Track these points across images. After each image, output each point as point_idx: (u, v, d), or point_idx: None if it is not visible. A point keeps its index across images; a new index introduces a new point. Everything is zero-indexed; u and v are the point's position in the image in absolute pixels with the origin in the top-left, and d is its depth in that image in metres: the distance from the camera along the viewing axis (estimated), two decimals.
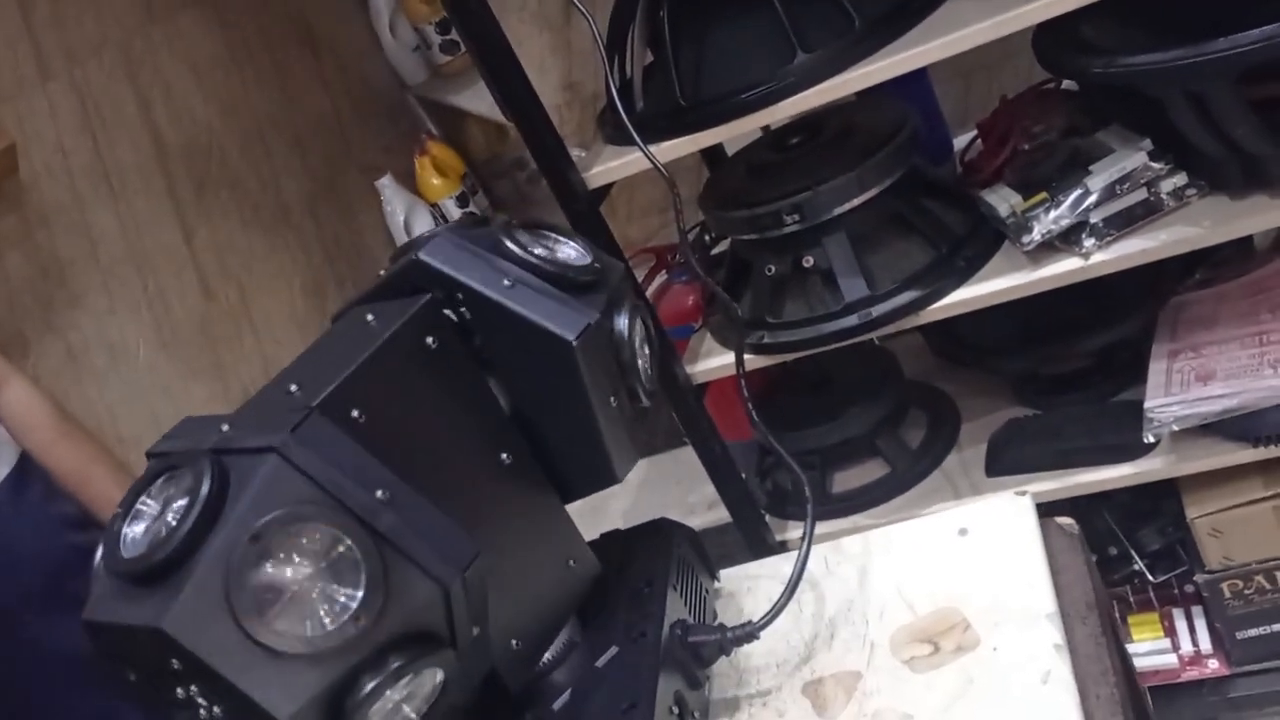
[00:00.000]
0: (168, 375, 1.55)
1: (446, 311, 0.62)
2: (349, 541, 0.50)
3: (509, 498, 0.61)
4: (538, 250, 0.65)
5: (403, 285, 0.62)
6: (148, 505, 0.52)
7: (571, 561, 0.66)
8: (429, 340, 0.58)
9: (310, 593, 0.50)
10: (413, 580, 0.51)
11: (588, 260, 0.67)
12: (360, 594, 0.50)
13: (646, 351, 0.68)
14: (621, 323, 0.65)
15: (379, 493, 0.52)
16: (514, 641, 0.61)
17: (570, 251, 0.68)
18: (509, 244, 0.64)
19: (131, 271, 1.57)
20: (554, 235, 0.69)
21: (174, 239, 1.63)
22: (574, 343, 0.61)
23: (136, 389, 1.52)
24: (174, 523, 0.48)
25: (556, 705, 0.62)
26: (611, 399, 0.64)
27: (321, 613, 0.50)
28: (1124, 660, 0.73)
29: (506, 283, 0.63)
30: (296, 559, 0.50)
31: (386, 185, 1.90)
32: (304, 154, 1.85)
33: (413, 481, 0.56)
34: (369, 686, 0.49)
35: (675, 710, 0.63)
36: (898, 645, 0.67)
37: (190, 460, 0.50)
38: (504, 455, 0.61)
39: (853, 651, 0.68)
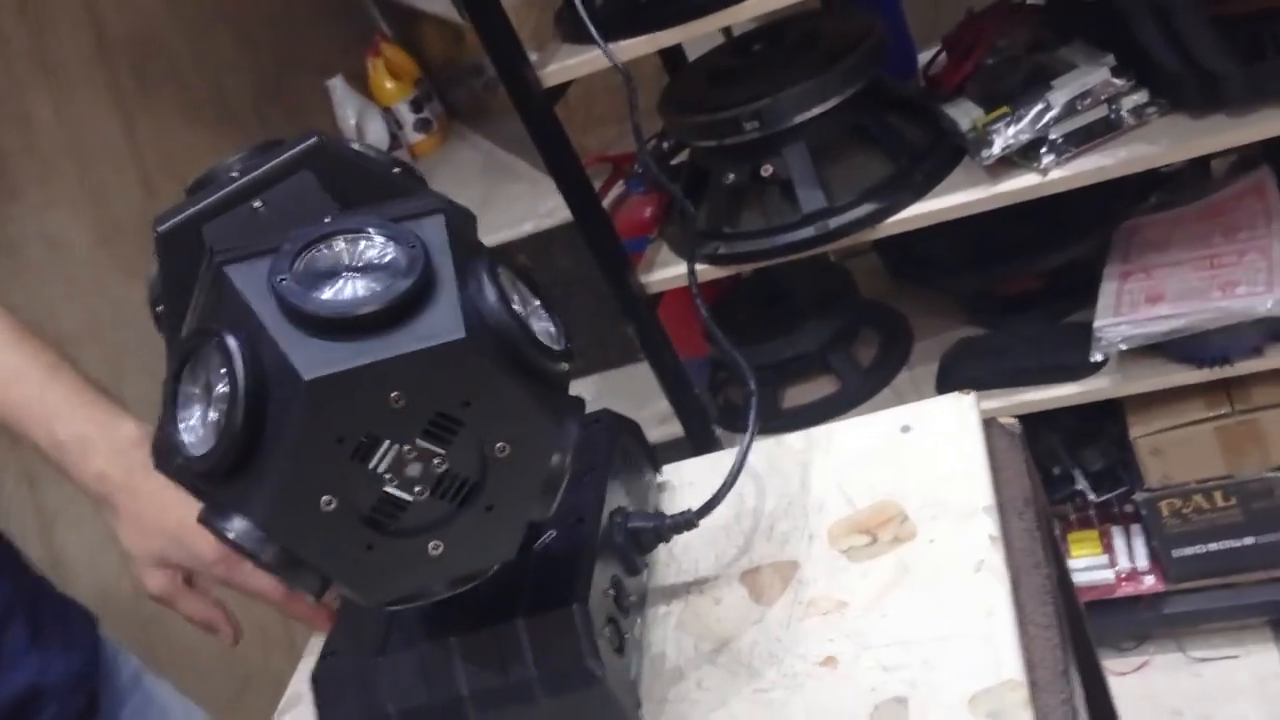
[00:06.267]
0: (108, 272, 1.51)
1: None
2: (524, 288, 0.55)
3: None
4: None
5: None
6: (320, 269, 0.49)
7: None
8: (335, 204, 0.55)
9: (533, 320, 0.54)
10: None
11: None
12: (557, 329, 0.54)
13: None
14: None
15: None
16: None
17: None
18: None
19: (70, 164, 1.52)
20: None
21: (115, 133, 1.58)
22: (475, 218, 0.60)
23: (76, 285, 1.48)
24: (406, 263, 0.49)
25: (492, 585, 0.62)
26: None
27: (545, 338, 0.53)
28: (1058, 557, 0.74)
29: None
30: None
31: (337, 86, 1.85)
32: (252, 50, 1.79)
33: None
34: (577, 428, 0.54)
35: (612, 594, 0.63)
36: (836, 537, 0.67)
37: (357, 227, 0.50)
38: None
39: (791, 543, 0.68)
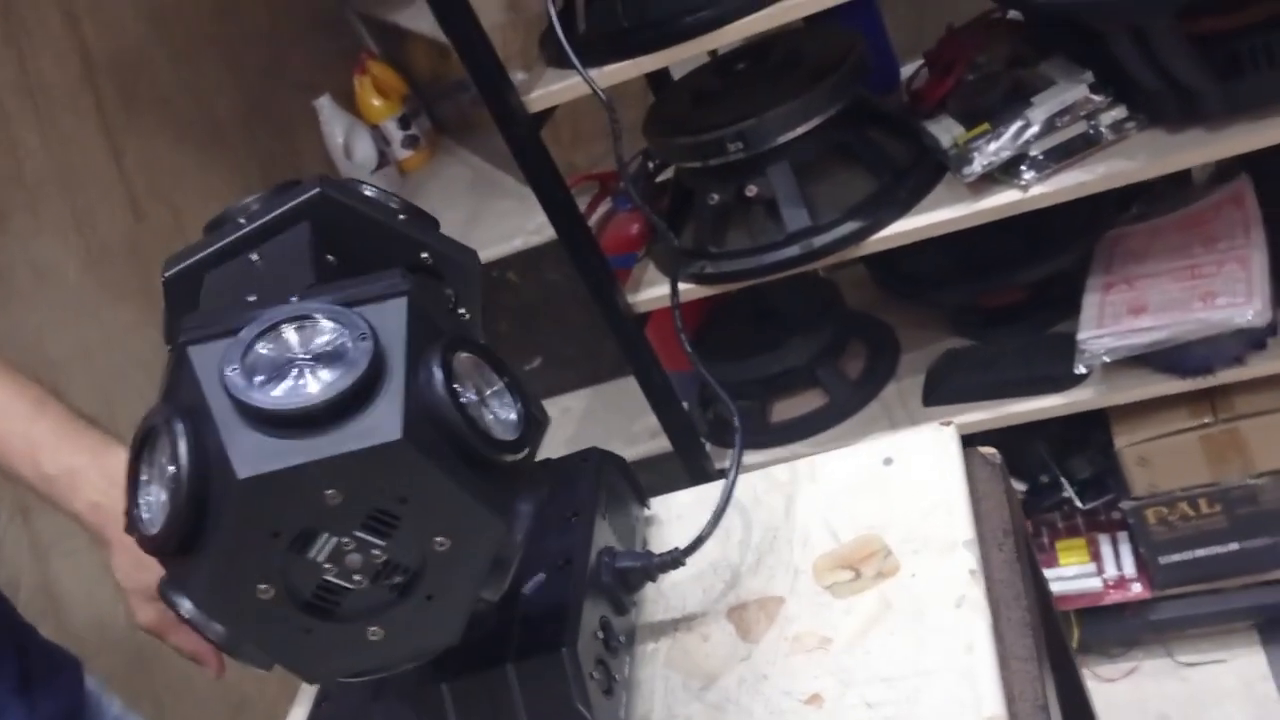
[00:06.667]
0: (97, 298, 1.51)
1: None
2: (489, 370, 0.54)
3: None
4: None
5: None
6: (268, 361, 0.49)
7: None
8: (330, 258, 0.57)
9: (488, 409, 0.53)
10: None
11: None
12: (518, 414, 0.53)
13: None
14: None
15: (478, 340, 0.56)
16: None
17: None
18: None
19: (58, 191, 1.52)
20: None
21: (102, 157, 1.58)
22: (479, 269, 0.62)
23: (65, 311, 1.49)
24: (353, 359, 0.49)
25: (482, 630, 0.63)
26: None
27: (500, 428, 0.53)
28: (1039, 584, 0.75)
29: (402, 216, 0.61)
30: (460, 385, 0.51)
31: (325, 105, 1.86)
32: (238, 71, 1.80)
33: None
34: (529, 511, 0.53)
35: (600, 635, 0.64)
36: (820, 572, 0.68)
37: (309, 314, 0.50)
38: None
39: (777, 578, 0.69)
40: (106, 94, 1.61)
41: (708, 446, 1.47)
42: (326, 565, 0.49)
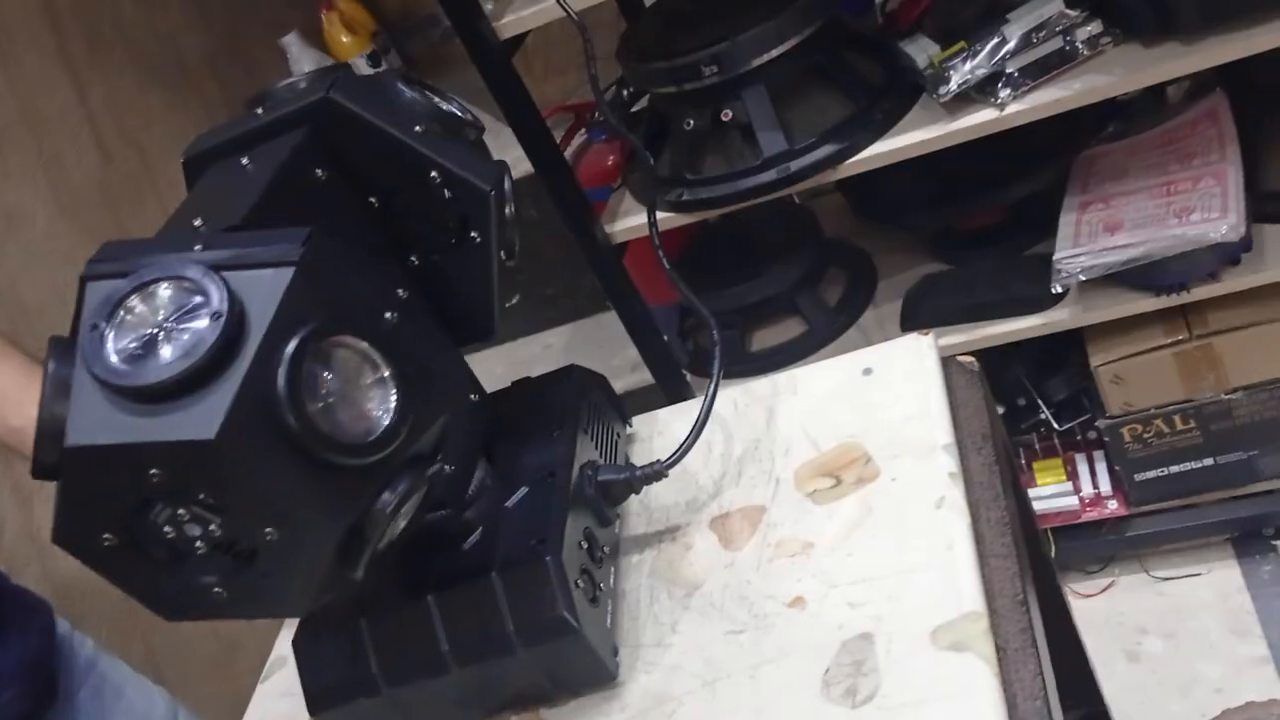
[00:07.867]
0: (69, 241, 1.49)
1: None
2: (377, 356, 0.51)
3: (411, 334, 0.57)
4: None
5: (280, 127, 0.59)
6: (131, 323, 0.48)
7: (474, 395, 0.65)
8: (318, 172, 0.56)
9: (354, 404, 0.51)
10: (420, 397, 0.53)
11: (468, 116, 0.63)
12: (393, 409, 0.51)
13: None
14: None
15: (388, 314, 0.53)
16: (446, 466, 0.60)
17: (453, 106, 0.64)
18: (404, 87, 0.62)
19: (24, 133, 1.49)
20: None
21: (68, 99, 1.55)
22: (490, 192, 0.61)
23: (37, 256, 1.47)
24: (200, 338, 0.46)
25: (467, 544, 0.63)
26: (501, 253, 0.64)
27: (363, 426, 0.51)
28: (1017, 490, 0.76)
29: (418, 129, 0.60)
30: (331, 373, 0.50)
31: (292, 43, 1.82)
32: (202, 9, 1.76)
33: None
34: (397, 495, 0.51)
35: (584, 546, 0.64)
36: (801, 480, 0.69)
37: (178, 275, 0.48)
38: (400, 291, 0.59)
39: (758, 487, 0.70)
40: (70, 35, 1.58)
41: (688, 378, 1.47)
42: (167, 530, 0.49)
